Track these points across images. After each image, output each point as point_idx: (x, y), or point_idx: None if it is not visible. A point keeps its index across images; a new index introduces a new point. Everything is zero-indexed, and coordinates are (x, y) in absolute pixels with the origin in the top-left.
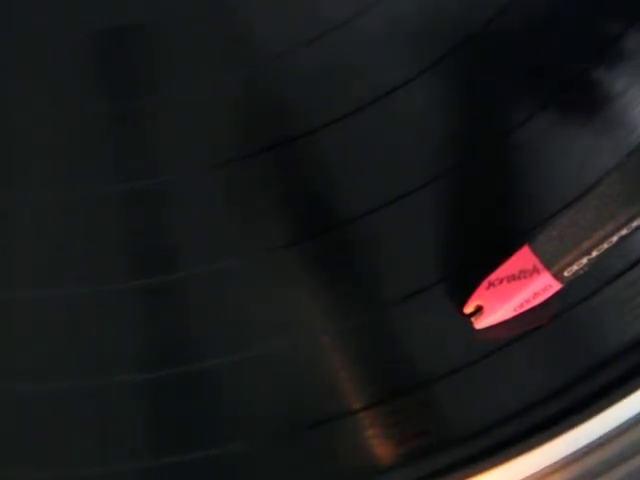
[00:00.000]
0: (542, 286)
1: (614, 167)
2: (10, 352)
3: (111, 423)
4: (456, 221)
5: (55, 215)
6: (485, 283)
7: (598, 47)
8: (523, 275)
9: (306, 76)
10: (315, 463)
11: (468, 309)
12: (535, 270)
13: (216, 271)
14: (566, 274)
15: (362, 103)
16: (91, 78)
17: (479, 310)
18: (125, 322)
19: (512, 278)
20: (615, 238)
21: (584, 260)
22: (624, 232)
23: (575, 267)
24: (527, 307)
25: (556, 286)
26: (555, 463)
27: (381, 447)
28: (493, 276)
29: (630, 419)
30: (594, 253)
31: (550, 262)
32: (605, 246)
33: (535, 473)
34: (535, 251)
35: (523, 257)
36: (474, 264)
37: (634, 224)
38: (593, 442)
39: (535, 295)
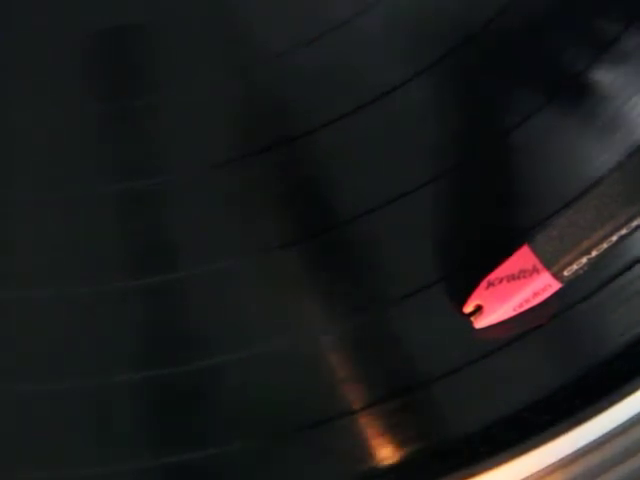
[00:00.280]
0: (542, 286)
1: (614, 167)
2: (10, 352)
3: (111, 423)
4: (456, 221)
5: (55, 215)
6: (485, 283)
7: (598, 47)
8: (523, 275)
9: (306, 76)
10: (315, 463)
11: (468, 309)
12: (535, 270)
13: (216, 271)
14: (566, 274)
15: (362, 103)
16: (91, 78)
17: (479, 310)
18: (125, 322)
19: (512, 278)
20: (615, 238)
21: (584, 260)
22: (624, 232)
23: (575, 267)
24: (527, 307)
25: (556, 286)
26: (555, 463)
27: (381, 447)
28: (493, 276)
29: (630, 419)
30: (594, 253)
31: (550, 262)
32: (605, 246)
33: (535, 473)
34: (535, 251)
35: (523, 257)
36: (473, 264)
37: (634, 224)
38: (593, 442)
39: (535, 295)
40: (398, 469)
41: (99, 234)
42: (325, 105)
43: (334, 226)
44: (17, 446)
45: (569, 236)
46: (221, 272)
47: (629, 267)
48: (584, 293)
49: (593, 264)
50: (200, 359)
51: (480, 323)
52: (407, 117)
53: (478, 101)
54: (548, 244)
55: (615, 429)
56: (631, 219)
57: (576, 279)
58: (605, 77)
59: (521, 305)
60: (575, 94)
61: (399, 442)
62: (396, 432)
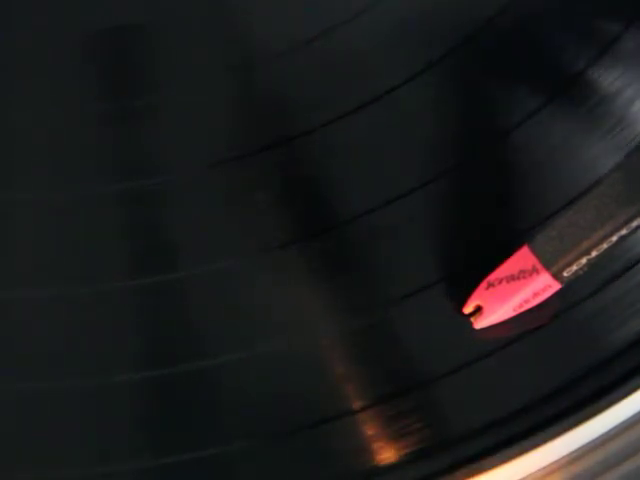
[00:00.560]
0: (541, 286)
1: (614, 167)
2: (10, 352)
3: (111, 423)
4: (456, 221)
5: (55, 215)
6: (484, 283)
7: (598, 47)
8: (522, 275)
9: (306, 76)
10: (315, 463)
11: (467, 309)
12: (534, 270)
13: (216, 271)
14: (565, 274)
15: (362, 103)
16: (91, 78)
17: (479, 310)
18: (125, 322)
19: (511, 278)
20: (615, 238)
21: (584, 260)
22: (624, 232)
23: (575, 267)
24: (526, 307)
25: (555, 286)
26: (555, 463)
27: (381, 447)
28: (492, 276)
29: (630, 419)
30: (594, 253)
31: (549, 262)
32: (605, 246)
33: (535, 473)
34: (535, 251)
35: (523, 257)
36: (473, 264)
37: (634, 224)
38: (593, 442)
39: (534, 295)
40: (398, 469)
41: (99, 234)
42: (325, 105)
43: (334, 226)
44: (17, 446)
45: (569, 236)
46: (221, 272)
47: (629, 267)
48: (584, 294)
49: (593, 264)
50: (200, 359)
51: (480, 323)
52: (407, 117)
53: (478, 101)
54: (548, 244)
55: (615, 429)
56: (631, 219)
57: (576, 279)
58: (605, 77)
59: (521, 305)
60: (575, 94)
61: (399, 442)
62: (396, 432)
